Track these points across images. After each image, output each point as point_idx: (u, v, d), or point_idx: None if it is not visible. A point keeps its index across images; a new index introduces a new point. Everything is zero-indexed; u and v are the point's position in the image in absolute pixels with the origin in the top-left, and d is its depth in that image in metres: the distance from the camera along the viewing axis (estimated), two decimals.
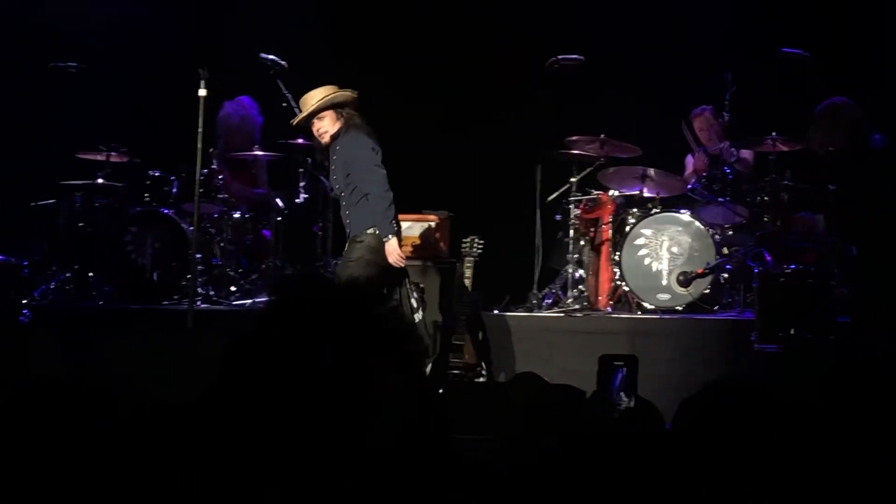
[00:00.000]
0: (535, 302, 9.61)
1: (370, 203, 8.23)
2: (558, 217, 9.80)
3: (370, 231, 8.24)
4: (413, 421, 1.86)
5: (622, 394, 6.36)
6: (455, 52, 10.95)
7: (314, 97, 8.39)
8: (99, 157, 10.06)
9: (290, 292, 1.87)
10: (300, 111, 8.52)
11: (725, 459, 2.87)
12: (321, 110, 8.36)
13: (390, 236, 8.18)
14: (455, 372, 8.48)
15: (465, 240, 8.96)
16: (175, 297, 9.76)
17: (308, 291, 1.85)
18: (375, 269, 8.16)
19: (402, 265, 8.29)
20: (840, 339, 8.25)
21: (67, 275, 9.97)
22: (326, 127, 8.38)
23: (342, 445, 1.77)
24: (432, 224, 9.56)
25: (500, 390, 4.66)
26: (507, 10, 11.05)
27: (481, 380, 8.63)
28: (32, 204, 10.19)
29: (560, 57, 9.77)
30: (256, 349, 1.83)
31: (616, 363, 6.37)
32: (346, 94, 8.41)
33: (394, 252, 8.19)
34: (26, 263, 9.74)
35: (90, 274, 10.01)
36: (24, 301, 9.47)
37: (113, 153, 10.02)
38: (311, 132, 8.52)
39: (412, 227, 9.46)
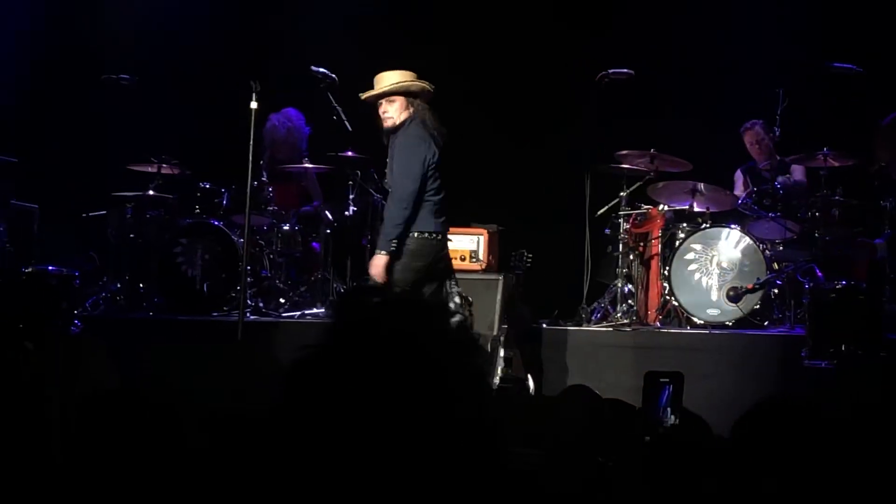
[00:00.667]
0: (583, 316, 9.59)
1: (390, 207, 8.03)
2: (607, 231, 9.79)
3: (411, 234, 8.00)
4: (473, 432, 1.87)
5: (668, 410, 6.33)
6: (506, 65, 10.95)
7: (390, 78, 8.09)
8: (150, 169, 10.14)
9: (358, 307, 1.87)
10: (374, 87, 8.14)
11: (780, 475, 2.86)
12: (393, 94, 8.06)
13: (384, 252, 7.89)
14: (504, 385, 8.47)
15: (514, 253, 8.97)
16: (225, 308, 9.80)
17: (376, 307, 1.86)
18: (413, 273, 7.93)
19: (382, 281, 7.89)
20: (892, 356, 8.17)
21: (118, 285, 10.05)
22: (393, 112, 8.05)
23: (408, 457, 1.78)
24: (482, 237, 9.57)
25: (552, 403, 4.65)
26: (558, 24, 11.04)
27: (530, 393, 8.63)
28: (84, 215, 10.27)
29: (610, 71, 9.76)
30: (325, 363, 1.84)
31: (662, 380, 6.34)
32: (423, 84, 8.15)
33: (379, 267, 7.87)
34: (77, 274, 9.82)
35: (140, 285, 10.08)
36: (75, 311, 9.54)
37: (164, 165, 10.10)
38: (377, 113, 8.15)
39: (461, 240, 9.47)
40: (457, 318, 8.34)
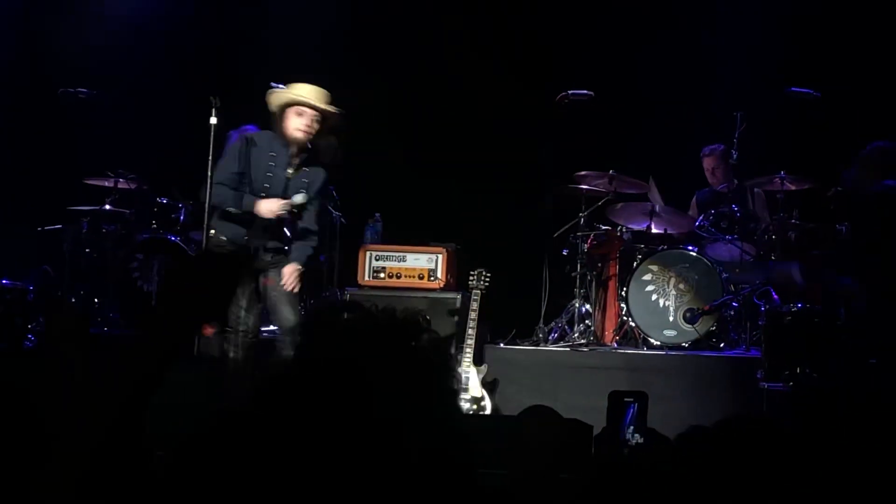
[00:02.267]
0: (541, 336, 9.60)
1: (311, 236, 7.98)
2: (565, 252, 9.80)
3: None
4: (442, 452, 1.86)
5: (631, 429, 6.33)
6: (465, 84, 10.96)
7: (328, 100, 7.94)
8: (107, 184, 10.09)
9: (329, 320, 1.86)
10: (307, 98, 7.87)
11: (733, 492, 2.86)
12: (331, 117, 7.90)
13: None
14: (463, 404, 8.47)
15: (472, 272, 8.97)
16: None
17: (347, 320, 1.85)
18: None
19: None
20: (847, 380, 8.23)
21: (73, 300, 9.97)
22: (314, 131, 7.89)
23: (371, 476, 1.77)
24: (439, 256, 9.56)
25: (512, 423, 4.64)
26: (517, 44, 11.08)
27: (486, 413, 8.62)
28: (39, 229, 10.20)
29: (570, 92, 9.79)
30: (292, 381, 1.84)
31: (626, 399, 6.34)
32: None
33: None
34: (32, 288, 9.74)
35: (96, 300, 10.01)
36: (29, 326, 9.46)
37: (121, 179, 10.04)
38: (294, 118, 7.85)
39: (419, 259, 9.46)
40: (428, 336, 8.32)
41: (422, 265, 9.50)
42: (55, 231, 10.17)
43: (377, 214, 9.85)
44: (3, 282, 9.70)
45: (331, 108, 7.84)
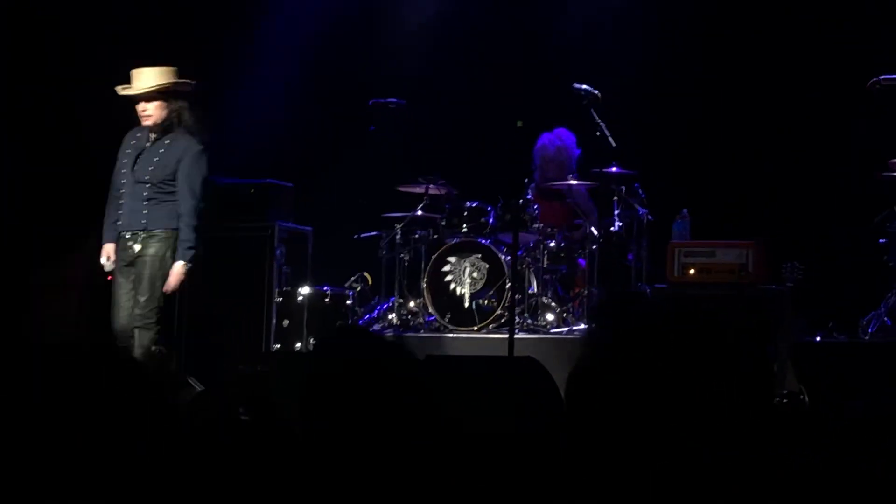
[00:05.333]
0: (861, 328, 9.30)
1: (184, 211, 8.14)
2: (882, 241, 9.47)
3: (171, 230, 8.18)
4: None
5: None
6: (778, 71, 10.73)
7: (150, 78, 8.20)
8: (418, 190, 10.37)
9: (625, 318, 1.89)
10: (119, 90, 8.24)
11: None
12: (152, 97, 8.17)
13: (186, 262, 8.15)
14: (777, 400, 8.30)
15: (784, 265, 8.78)
16: (492, 325, 9.92)
17: (644, 318, 1.87)
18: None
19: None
20: None
21: (387, 305, 10.29)
22: (152, 111, 8.20)
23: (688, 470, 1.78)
24: (750, 250, 9.38)
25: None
26: (826, 28, 10.77)
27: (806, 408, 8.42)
28: (356, 236, 10.56)
29: (882, 77, 9.46)
30: (600, 376, 1.86)
31: None
32: (185, 82, 8.32)
33: (181, 276, 8.16)
34: (351, 294, 10.13)
35: (411, 304, 10.30)
36: None
37: (432, 186, 10.30)
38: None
39: (728, 253, 9.32)
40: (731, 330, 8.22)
41: (732, 260, 9.35)
42: (371, 238, 10.51)
43: (684, 210, 9.77)
44: (325, 288, 10.13)
45: (145, 88, 8.11)
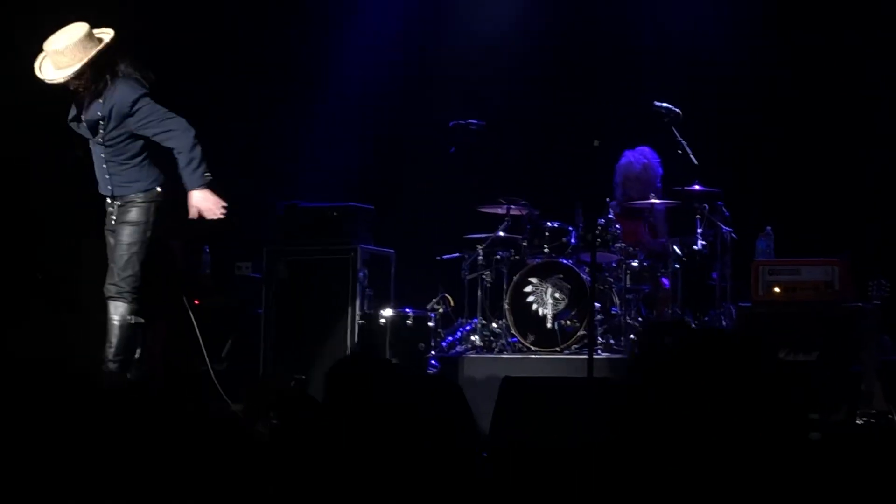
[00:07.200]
0: None
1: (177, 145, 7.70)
2: None
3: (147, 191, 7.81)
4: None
5: None
6: (862, 86, 10.59)
7: (69, 53, 7.58)
8: (500, 211, 10.35)
9: (658, 340, 1.88)
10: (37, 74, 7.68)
11: None
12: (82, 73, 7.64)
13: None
14: (864, 420, 8.16)
15: (871, 282, 8.65)
16: (575, 346, 9.86)
17: (677, 340, 1.86)
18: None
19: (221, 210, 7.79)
20: None
21: (469, 326, 10.28)
22: (85, 84, 7.70)
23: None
24: (835, 267, 9.25)
25: None
26: None
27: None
28: (438, 258, 10.57)
29: None
30: (633, 396, 1.86)
31: None
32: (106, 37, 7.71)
33: (211, 198, 7.76)
34: (433, 316, 10.14)
35: (494, 325, 10.27)
36: (431, 352, 9.88)
37: (513, 206, 10.28)
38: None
39: (814, 271, 9.19)
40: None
41: (817, 277, 9.21)
42: (453, 259, 10.51)
43: (768, 228, 9.65)
44: (407, 310, 10.15)
45: (63, 78, 7.61)
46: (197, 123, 7.85)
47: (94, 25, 7.72)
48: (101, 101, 7.71)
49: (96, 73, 7.67)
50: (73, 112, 7.92)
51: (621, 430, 1.88)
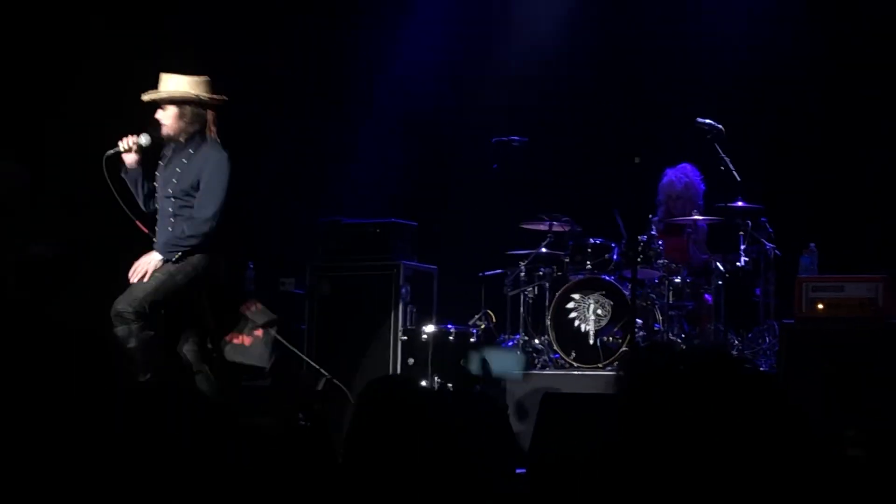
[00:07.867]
0: None
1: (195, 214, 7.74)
2: None
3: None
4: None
5: None
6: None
7: (173, 84, 7.85)
8: (542, 227, 10.37)
9: (640, 362, 1.90)
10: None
11: None
12: (170, 102, 7.83)
13: (162, 258, 7.72)
14: None
15: None
16: (617, 362, 9.85)
17: (658, 361, 1.88)
18: (194, 288, 7.86)
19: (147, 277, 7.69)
20: None
21: (512, 343, 10.29)
22: (167, 120, 7.84)
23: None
24: (880, 284, 9.19)
25: None
26: None
27: None
28: (480, 274, 10.59)
29: None
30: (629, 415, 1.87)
31: None
32: (211, 96, 7.89)
33: (152, 264, 7.69)
34: (475, 332, 10.15)
35: (537, 341, 10.28)
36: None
37: (555, 223, 10.29)
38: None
39: (858, 288, 9.12)
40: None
41: (861, 294, 9.14)
42: (496, 276, 10.53)
43: (812, 244, 9.60)
44: (449, 326, 10.17)
45: (156, 94, 7.80)
46: (242, 141, 7.93)
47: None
48: (190, 151, 7.83)
49: (185, 118, 7.82)
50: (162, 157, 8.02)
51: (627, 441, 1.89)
